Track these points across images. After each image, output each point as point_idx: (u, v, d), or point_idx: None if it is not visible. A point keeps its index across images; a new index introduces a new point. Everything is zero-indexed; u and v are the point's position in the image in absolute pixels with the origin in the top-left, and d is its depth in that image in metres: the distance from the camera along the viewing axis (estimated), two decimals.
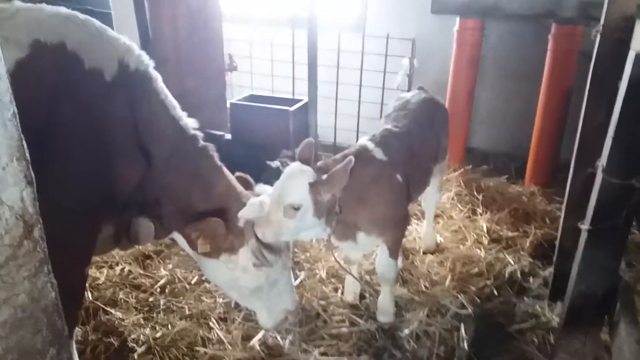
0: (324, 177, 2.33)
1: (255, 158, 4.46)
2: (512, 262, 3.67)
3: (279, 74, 5.00)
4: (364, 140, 2.83)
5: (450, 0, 4.13)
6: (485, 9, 4.08)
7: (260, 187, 2.57)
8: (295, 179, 2.34)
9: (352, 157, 2.34)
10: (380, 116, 4.58)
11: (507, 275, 3.55)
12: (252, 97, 4.84)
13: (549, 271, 3.60)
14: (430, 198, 3.62)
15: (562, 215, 3.20)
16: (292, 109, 4.44)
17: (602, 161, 1.75)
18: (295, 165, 2.41)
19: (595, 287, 1.89)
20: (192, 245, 2.43)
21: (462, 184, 4.56)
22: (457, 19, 4.32)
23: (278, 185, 2.37)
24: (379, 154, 2.70)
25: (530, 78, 5.04)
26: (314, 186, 2.31)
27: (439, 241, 3.90)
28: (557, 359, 2.08)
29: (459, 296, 3.30)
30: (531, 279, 3.57)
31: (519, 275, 3.57)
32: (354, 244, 2.80)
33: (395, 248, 2.94)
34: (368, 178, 2.56)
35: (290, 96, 4.88)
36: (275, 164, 4.63)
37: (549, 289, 3.37)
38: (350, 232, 2.73)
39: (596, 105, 2.79)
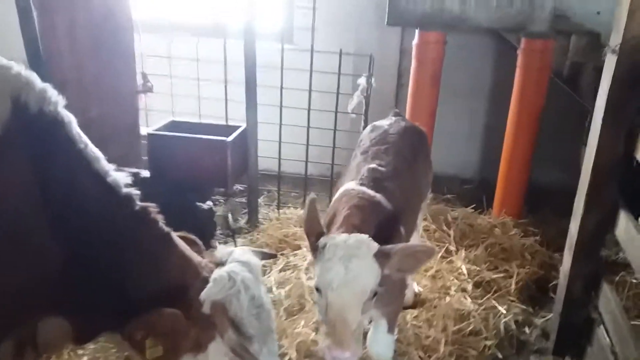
0: (391, 248, 1.85)
1: (182, 200, 3.78)
2: (504, 312, 3.35)
3: (207, 95, 4.34)
4: (354, 185, 2.35)
5: (410, 11, 3.77)
6: (449, 22, 3.77)
7: (221, 251, 2.00)
8: (365, 258, 1.82)
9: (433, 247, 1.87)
10: (333, 143, 4.14)
11: (502, 329, 3.22)
12: (174, 125, 4.15)
13: (544, 319, 3.34)
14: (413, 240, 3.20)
15: (569, 260, 2.90)
16: (229, 139, 3.81)
17: None
18: (341, 239, 1.86)
19: None
20: (138, 348, 1.78)
21: (428, 217, 4.19)
22: (417, 32, 3.98)
23: (340, 276, 1.80)
24: (383, 201, 2.22)
25: (478, 96, 4.90)
26: (379, 257, 1.83)
27: (418, 291, 3.48)
28: None
29: None
30: (527, 329, 3.31)
31: (513, 326, 3.26)
32: None
33: (395, 320, 2.49)
34: (379, 233, 2.05)
35: (222, 122, 4.25)
36: (207, 205, 3.97)
37: (553, 342, 3.09)
38: None
39: (613, 137, 2.54)
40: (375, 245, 1.85)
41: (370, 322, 2.49)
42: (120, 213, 1.82)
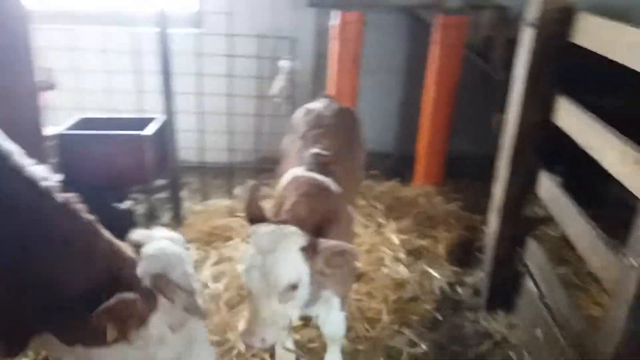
0: (320, 243, 1.85)
1: (97, 201, 3.56)
2: (437, 276, 3.54)
3: (118, 88, 4.08)
4: (302, 171, 2.36)
5: None
6: (368, 1, 3.84)
7: (139, 234, 2.01)
8: (285, 251, 1.82)
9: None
10: (257, 129, 4.08)
11: (438, 292, 3.41)
12: (85, 122, 3.88)
13: (475, 278, 3.57)
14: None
15: (495, 221, 3.11)
16: (146, 132, 3.64)
17: None
18: (267, 229, 1.86)
19: None
20: (96, 336, 1.77)
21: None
22: (337, 12, 3.99)
23: (257, 266, 1.82)
24: (332, 186, 2.24)
25: (393, 73, 5.04)
26: (309, 250, 1.83)
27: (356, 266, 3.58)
28: None
29: (405, 332, 3.03)
30: (460, 289, 3.50)
31: (447, 288, 3.47)
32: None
33: (346, 297, 2.55)
34: (331, 218, 2.08)
35: (136, 115, 4.05)
36: (125, 205, 3.78)
37: (485, 298, 3.31)
38: None
39: (532, 105, 2.74)
40: (302, 240, 1.84)
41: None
42: (43, 206, 1.75)
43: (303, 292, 1.90)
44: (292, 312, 1.94)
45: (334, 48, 4.12)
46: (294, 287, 1.83)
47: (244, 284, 1.94)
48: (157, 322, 1.86)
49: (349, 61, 4.08)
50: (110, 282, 1.78)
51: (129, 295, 1.73)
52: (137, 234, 1.98)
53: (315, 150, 2.51)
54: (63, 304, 1.74)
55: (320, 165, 2.37)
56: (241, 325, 1.84)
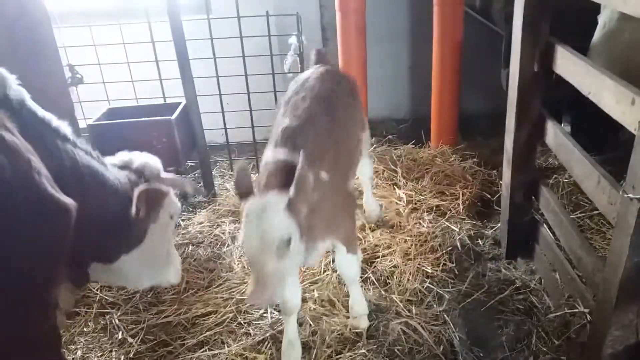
0: (292, 189, 2.00)
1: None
2: (457, 230, 3.59)
3: (140, 77, 4.20)
4: (271, 153, 2.40)
5: None
6: None
7: (118, 157, 2.53)
8: (270, 210, 1.97)
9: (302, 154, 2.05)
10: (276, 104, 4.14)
11: (458, 245, 3.47)
12: (113, 112, 4.03)
13: (493, 229, 3.62)
14: (365, 166, 3.47)
15: (508, 172, 3.14)
16: (173, 116, 3.76)
17: None
18: (254, 199, 2.03)
19: None
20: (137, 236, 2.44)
21: (375, 160, 4.35)
22: None
23: (252, 231, 1.97)
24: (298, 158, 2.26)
25: (399, 39, 5.01)
26: (290, 205, 1.98)
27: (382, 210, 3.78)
28: (610, 336, 1.95)
29: (427, 282, 3.14)
30: (480, 241, 3.54)
31: (467, 241, 3.52)
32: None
33: (352, 242, 2.70)
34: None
35: (160, 102, 4.18)
36: None
37: (504, 248, 3.36)
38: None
39: (530, 54, 2.72)
40: (284, 200, 1.98)
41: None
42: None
43: (297, 246, 2.03)
44: (291, 266, 2.07)
45: (338, 20, 4.12)
46: (287, 242, 1.96)
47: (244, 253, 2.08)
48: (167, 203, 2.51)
49: (353, 31, 4.08)
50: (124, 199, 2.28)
51: (149, 184, 2.34)
52: (118, 156, 2.51)
53: (283, 125, 2.47)
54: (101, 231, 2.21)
55: (288, 139, 2.37)
56: (247, 289, 2.00)
